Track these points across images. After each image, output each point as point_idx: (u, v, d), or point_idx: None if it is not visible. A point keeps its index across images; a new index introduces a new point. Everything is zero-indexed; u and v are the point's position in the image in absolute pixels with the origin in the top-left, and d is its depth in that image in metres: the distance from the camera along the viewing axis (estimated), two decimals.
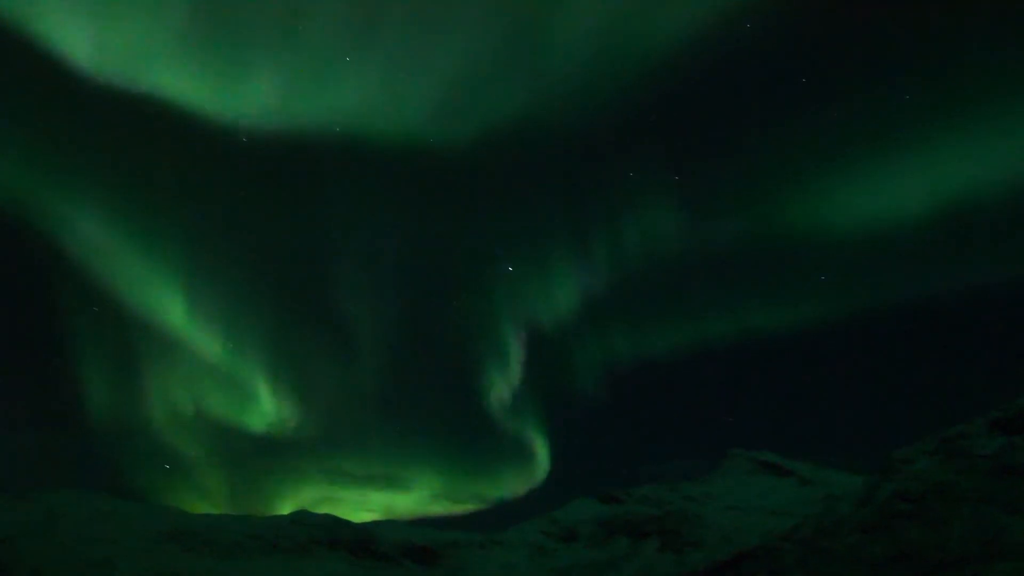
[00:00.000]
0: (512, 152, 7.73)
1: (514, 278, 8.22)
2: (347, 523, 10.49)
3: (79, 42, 5.37)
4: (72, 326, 6.70)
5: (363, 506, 8.96)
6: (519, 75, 6.80)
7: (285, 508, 9.44)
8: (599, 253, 8.27)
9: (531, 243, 8.47)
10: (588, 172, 8.39)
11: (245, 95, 6.09)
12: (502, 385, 8.93)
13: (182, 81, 5.90)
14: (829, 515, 8.66)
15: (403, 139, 6.94)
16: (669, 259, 8.19)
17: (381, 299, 8.94)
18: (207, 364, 7.17)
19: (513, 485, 9.17)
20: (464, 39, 6.35)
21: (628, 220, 8.09)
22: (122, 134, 6.57)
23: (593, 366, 8.89)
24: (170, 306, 7.08)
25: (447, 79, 6.62)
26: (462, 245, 8.51)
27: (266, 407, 7.79)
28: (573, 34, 7.10)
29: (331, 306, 8.58)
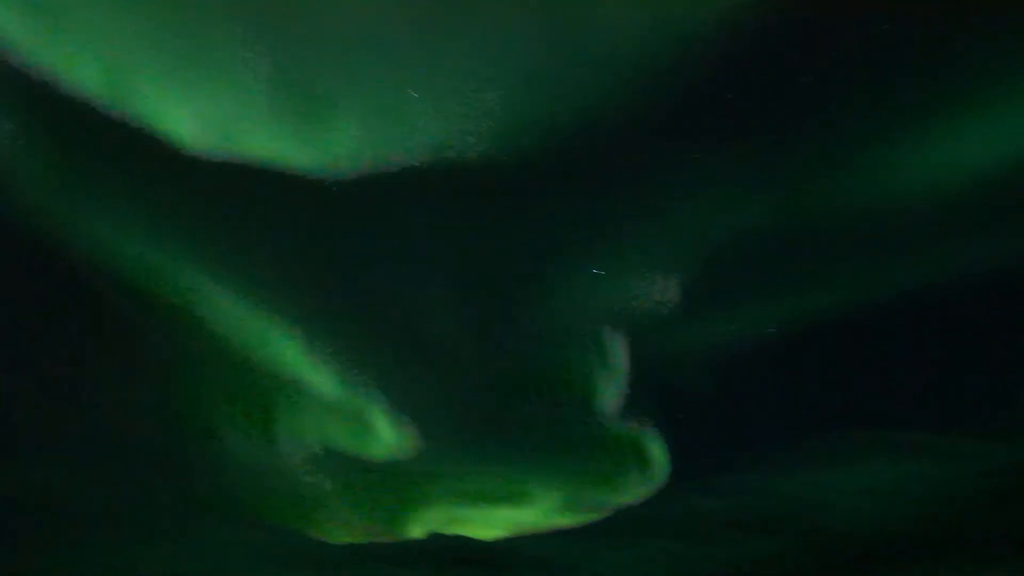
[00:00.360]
0: (580, 150, 7.63)
1: (604, 280, 8.09)
2: (478, 542, 10.70)
3: (179, 120, 5.92)
4: (209, 385, 7.31)
5: (490, 523, 9.02)
6: (572, 72, 6.76)
7: (416, 532, 9.75)
8: (680, 242, 7.96)
9: (616, 242, 8.18)
10: (655, 159, 7.99)
11: (328, 146, 6.48)
12: (609, 389, 8.72)
13: (271, 143, 6.40)
14: (960, 491, 7.96)
15: (477, 159, 7.10)
16: (750, 239, 7.67)
17: (479, 319, 9.07)
18: (326, 401, 7.58)
19: (635, 489, 8.90)
20: (511, 50, 6.43)
21: (702, 203, 7.69)
22: (226, 200, 7.16)
23: (694, 357, 8.44)
24: (287, 351, 7.58)
25: (507, 92, 6.75)
26: (549, 256, 8.43)
27: (386, 436, 8.09)
28: (615, 14, 6.85)
29: (433, 330, 8.84)
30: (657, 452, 7.83)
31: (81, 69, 5.16)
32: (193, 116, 5.55)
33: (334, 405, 6.69)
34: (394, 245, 7.11)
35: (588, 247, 7.35)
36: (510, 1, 6.06)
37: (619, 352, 7.26)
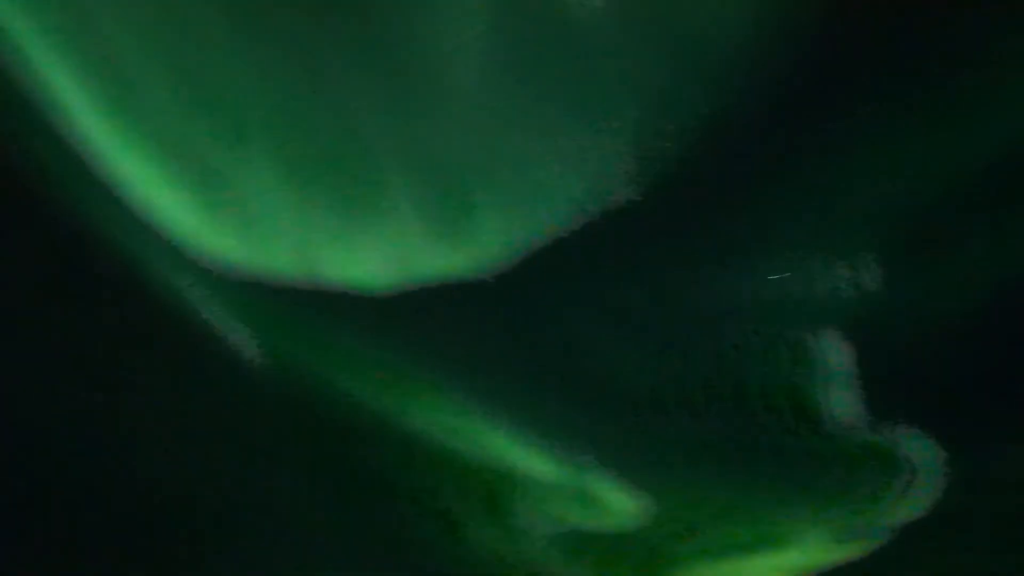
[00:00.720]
0: (726, 161, 6.93)
1: (793, 282, 7.19)
2: None
3: (351, 266, 6.61)
4: (441, 490, 7.69)
5: (754, 574, 8.01)
6: (696, 83, 6.29)
7: None
8: (857, 222, 6.88)
9: (791, 241, 7.15)
10: (803, 148, 6.94)
11: (480, 249, 6.75)
12: (840, 398, 7.45)
13: (430, 262, 6.82)
14: None
15: (624, 205, 6.88)
16: (929, 202, 6.27)
17: (677, 363, 8.43)
18: (548, 483, 7.46)
19: (907, 501, 7.36)
20: (629, 87, 6.25)
21: (865, 179, 6.46)
22: (415, 323, 7.75)
23: (918, 341, 6.91)
24: (505, 443, 7.74)
25: (634, 133, 6.52)
26: (729, 277, 7.65)
27: (618, 506, 7.72)
28: (727, 11, 6.10)
29: (635, 388, 8.46)
30: (916, 455, 6.89)
31: (273, 256, 6.10)
32: (359, 258, 6.33)
33: (560, 486, 6.86)
34: (572, 315, 7.33)
35: (763, 255, 6.99)
36: (613, 46, 6.28)
37: (837, 355, 6.66)
